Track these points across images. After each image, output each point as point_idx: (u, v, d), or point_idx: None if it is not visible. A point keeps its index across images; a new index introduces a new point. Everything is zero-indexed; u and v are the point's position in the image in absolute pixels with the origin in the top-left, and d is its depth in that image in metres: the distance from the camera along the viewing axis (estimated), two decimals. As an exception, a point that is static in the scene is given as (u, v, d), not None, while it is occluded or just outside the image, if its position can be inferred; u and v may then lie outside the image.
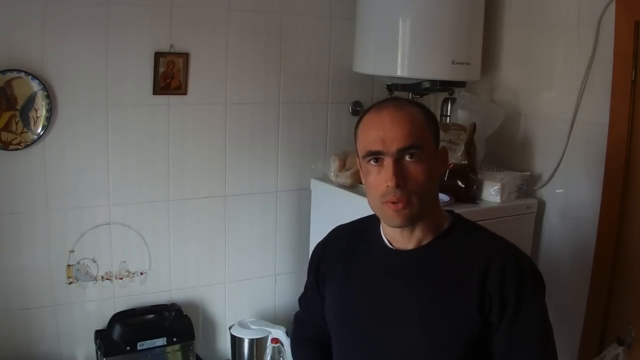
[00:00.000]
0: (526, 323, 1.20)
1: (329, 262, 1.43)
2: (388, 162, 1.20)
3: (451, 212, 1.35)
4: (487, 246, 1.26)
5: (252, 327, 2.29)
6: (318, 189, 2.41)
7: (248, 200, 2.42)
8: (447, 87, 2.35)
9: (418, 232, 1.28)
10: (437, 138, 1.29)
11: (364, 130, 1.26)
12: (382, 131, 1.21)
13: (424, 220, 1.26)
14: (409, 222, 1.24)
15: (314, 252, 1.50)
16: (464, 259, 1.24)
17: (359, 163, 1.30)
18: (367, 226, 1.38)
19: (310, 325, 1.55)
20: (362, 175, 1.31)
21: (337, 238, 1.46)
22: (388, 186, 1.20)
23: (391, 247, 1.31)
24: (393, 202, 1.20)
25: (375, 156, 1.22)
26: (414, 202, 1.21)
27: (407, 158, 1.20)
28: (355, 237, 1.41)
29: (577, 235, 2.15)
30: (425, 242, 1.28)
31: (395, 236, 1.30)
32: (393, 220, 1.23)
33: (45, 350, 2.11)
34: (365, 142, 1.24)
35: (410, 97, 2.46)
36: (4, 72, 1.89)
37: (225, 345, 2.44)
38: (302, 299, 1.59)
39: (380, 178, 1.21)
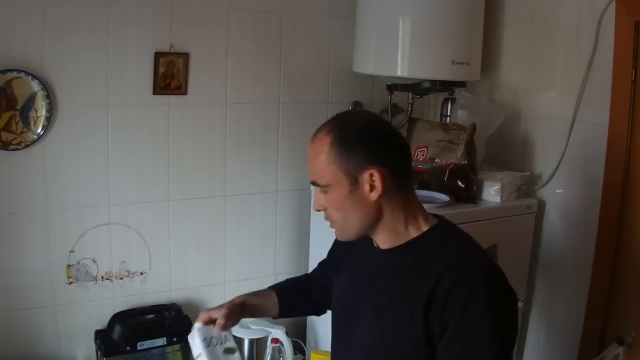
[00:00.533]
0: (468, 342, 1.15)
1: (339, 251, 1.52)
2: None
3: (438, 216, 1.35)
4: (449, 258, 1.22)
5: (252, 327, 2.28)
6: (318, 189, 2.41)
7: (248, 200, 2.42)
8: (447, 87, 2.35)
9: (381, 238, 1.32)
10: (357, 166, 1.24)
11: None
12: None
13: (376, 230, 1.30)
14: (345, 238, 1.34)
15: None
16: (426, 266, 1.22)
17: None
18: None
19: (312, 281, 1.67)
20: None
21: None
22: None
23: (375, 245, 1.35)
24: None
25: None
26: (337, 224, 1.31)
27: (318, 189, 1.29)
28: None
29: (577, 235, 2.15)
30: (398, 244, 1.30)
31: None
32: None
33: (45, 350, 2.12)
34: None
35: (409, 97, 2.47)
36: (4, 72, 1.89)
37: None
38: (320, 263, 1.67)
39: None
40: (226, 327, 1.42)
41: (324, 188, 1.28)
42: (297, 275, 2.55)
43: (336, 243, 1.54)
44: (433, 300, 1.17)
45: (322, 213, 1.34)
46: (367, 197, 1.25)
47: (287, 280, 1.69)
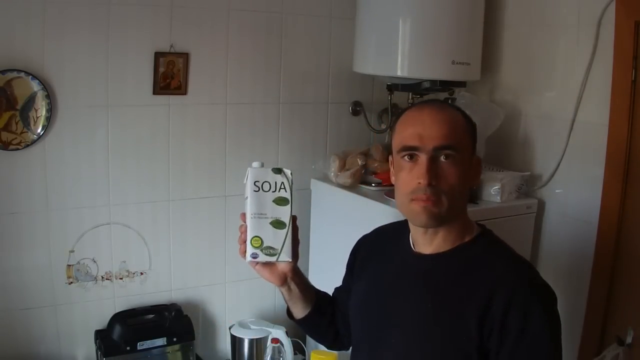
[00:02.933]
0: (531, 353, 1.14)
1: (359, 259, 1.46)
2: (422, 159, 1.20)
3: (481, 225, 1.33)
4: (502, 268, 1.20)
5: (252, 327, 2.28)
6: (318, 189, 2.41)
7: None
8: (447, 87, 2.34)
9: (440, 237, 1.26)
10: (474, 147, 1.27)
11: (402, 125, 1.26)
12: (421, 128, 1.20)
13: (449, 224, 1.24)
14: (435, 222, 1.22)
15: (355, 245, 1.51)
16: (477, 275, 1.20)
17: (391, 160, 1.31)
18: (403, 228, 1.37)
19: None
20: (392, 173, 1.31)
21: (375, 236, 1.48)
22: (419, 183, 1.19)
23: (413, 250, 1.31)
24: (423, 200, 1.19)
25: (410, 152, 1.21)
26: (444, 202, 1.19)
27: (442, 158, 1.20)
28: (389, 237, 1.42)
29: (577, 235, 2.15)
30: (444, 249, 1.26)
31: (418, 238, 1.30)
32: (419, 217, 1.21)
33: (45, 350, 2.12)
34: (401, 136, 1.24)
35: (409, 97, 2.47)
36: (4, 72, 1.89)
37: (225, 345, 2.44)
38: (336, 289, 1.58)
39: (413, 175, 1.20)
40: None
41: (456, 154, 1.20)
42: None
43: (353, 253, 1.49)
44: (488, 314, 1.15)
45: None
46: (471, 181, 1.26)
47: (327, 294, 1.57)
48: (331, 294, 1.57)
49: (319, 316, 1.48)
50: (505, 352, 1.14)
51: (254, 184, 1.25)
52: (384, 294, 1.34)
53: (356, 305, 1.42)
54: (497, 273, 1.19)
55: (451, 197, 1.20)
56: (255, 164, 1.28)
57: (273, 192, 1.27)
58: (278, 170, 1.29)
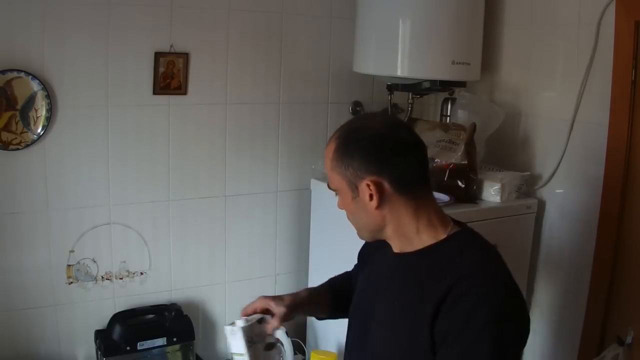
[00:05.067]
0: (465, 353, 1.13)
1: (366, 250, 1.51)
2: None
3: (461, 224, 1.33)
4: (463, 269, 1.19)
5: (252, 327, 2.28)
6: (318, 189, 2.41)
7: (248, 200, 2.42)
8: (447, 87, 2.34)
9: (393, 242, 1.32)
10: (355, 175, 1.25)
11: None
12: None
13: (386, 235, 1.30)
14: (362, 238, 1.37)
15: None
16: (439, 275, 1.21)
17: None
18: None
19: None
20: None
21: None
22: None
23: (391, 249, 1.34)
24: None
25: None
26: (353, 225, 1.34)
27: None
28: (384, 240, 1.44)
29: (577, 235, 2.15)
30: (410, 250, 1.29)
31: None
32: None
33: (45, 350, 2.12)
34: None
35: (409, 97, 2.47)
36: (4, 72, 1.89)
37: (225, 345, 2.44)
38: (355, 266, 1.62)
39: None
40: (278, 327, 1.38)
41: (334, 191, 1.31)
42: (297, 272, 2.56)
43: (359, 255, 1.53)
44: (440, 310, 1.16)
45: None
46: (368, 205, 1.25)
47: (339, 278, 1.62)
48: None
49: (339, 312, 1.54)
50: (443, 350, 1.15)
51: (247, 341, 1.32)
52: (370, 288, 1.39)
53: (350, 311, 1.46)
54: (459, 274, 1.19)
55: (353, 222, 1.33)
56: (240, 323, 1.34)
57: (262, 342, 1.37)
58: (260, 320, 1.38)
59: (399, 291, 1.28)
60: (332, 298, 1.53)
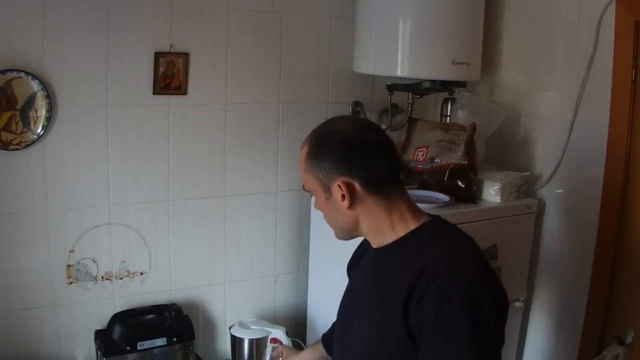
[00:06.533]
0: (446, 336, 1.15)
1: (356, 254, 1.54)
2: None
3: (434, 216, 1.36)
4: (431, 256, 1.22)
5: (252, 327, 2.29)
6: (318, 189, 2.41)
7: (248, 200, 2.42)
8: (447, 87, 2.35)
9: (370, 239, 1.36)
10: (326, 176, 1.30)
11: None
12: None
13: (362, 233, 1.35)
14: (339, 238, 1.40)
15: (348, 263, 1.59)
16: (411, 263, 1.23)
17: None
18: None
19: None
20: None
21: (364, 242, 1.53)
22: None
23: (372, 247, 1.38)
24: None
25: None
26: (329, 225, 1.39)
27: None
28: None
29: (577, 235, 2.15)
30: (385, 243, 1.32)
31: None
32: None
33: (45, 350, 2.11)
34: None
35: (409, 97, 2.47)
36: (4, 72, 1.89)
37: (225, 345, 2.44)
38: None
39: None
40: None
41: (308, 193, 1.38)
42: (297, 272, 2.57)
43: (353, 254, 1.56)
44: (411, 296, 1.18)
45: (322, 213, 1.38)
46: (340, 205, 1.30)
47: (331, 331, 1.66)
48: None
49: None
50: (424, 340, 1.17)
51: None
52: (354, 286, 1.45)
53: (338, 313, 1.49)
54: (426, 260, 1.21)
55: (329, 222, 1.39)
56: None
57: None
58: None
59: (374, 284, 1.33)
60: (326, 346, 1.63)
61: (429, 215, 1.35)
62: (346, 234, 1.38)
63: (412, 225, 1.31)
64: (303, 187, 1.38)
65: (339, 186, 1.28)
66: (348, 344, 1.37)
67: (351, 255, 1.56)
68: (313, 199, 2.51)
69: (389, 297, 1.24)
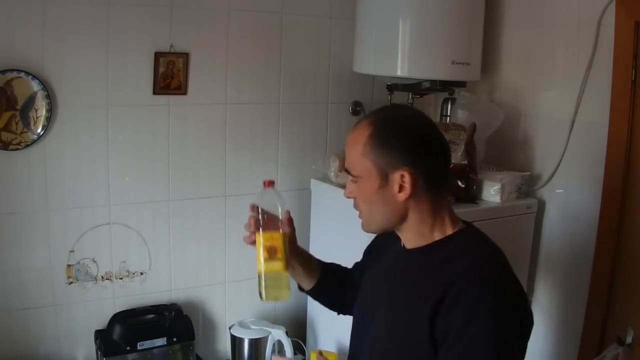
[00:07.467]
0: (466, 351, 1.14)
1: (377, 247, 1.50)
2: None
3: (468, 223, 1.34)
4: (464, 267, 1.20)
5: (252, 327, 2.28)
6: (318, 189, 2.41)
7: (248, 200, 2.38)
8: (447, 87, 2.34)
9: (406, 237, 1.32)
10: (389, 164, 1.24)
11: None
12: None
13: (405, 227, 1.30)
14: (369, 231, 1.34)
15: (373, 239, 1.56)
16: (442, 271, 1.22)
17: None
18: None
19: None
20: None
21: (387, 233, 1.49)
22: None
23: (401, 244, 1.35)
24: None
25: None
26: (364, 217, 1.31)
27: (350, 177, 1.30)
28: (395, 234, 1.43)
29: (577, 235, 2.15)
30: (420, 244, 1.30)
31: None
32: None
33: (45, 351, 2.12)
34: None
35: (409, 97, 2.47)
36: (4, 72, 1.89)
37: (225, 345, 2.44)
38: (355, 264, 1.63)
39: None
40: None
41: (355, 178, 1.28)
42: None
43: (375, 239, 1.53)
44: (441, 307, 1.17)
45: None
46: (394, 197, 1.25)
47: (335, 265, 1.64)
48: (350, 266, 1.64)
49: (324, 288, 1.57)
50: (446, 346, 1.16)
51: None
52: (375, 283, 1.41)
53: (355, 308, 1.47)
54: (459, 270, 1.20)
55: (366, 213, 1.30)
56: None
57: None
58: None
59: (404, 285, 1.29)
60: (322, 274, 1.56)
61: (464, 222, 1.33)
62: (382, 227, 1.32)
63: (449, 230, 1.29)
64: (346, 169, 1.30)
65: (402, 176, 1.23)
66: (364, 342, 1.35)
67: (372, 244, 1.53)
68: (314, 197, 2.50)
69: (417, 302, 1.21)
